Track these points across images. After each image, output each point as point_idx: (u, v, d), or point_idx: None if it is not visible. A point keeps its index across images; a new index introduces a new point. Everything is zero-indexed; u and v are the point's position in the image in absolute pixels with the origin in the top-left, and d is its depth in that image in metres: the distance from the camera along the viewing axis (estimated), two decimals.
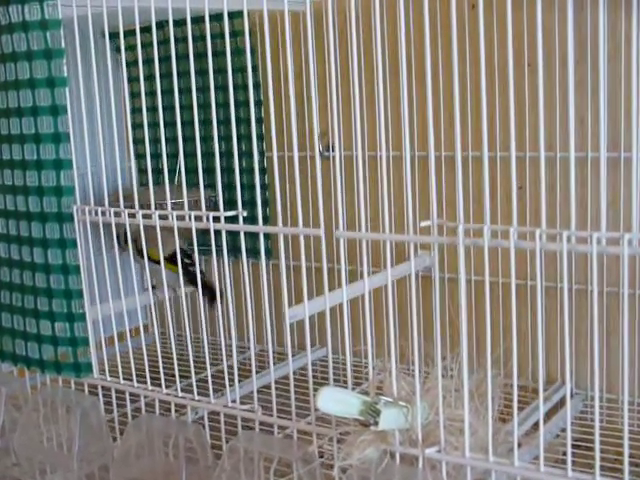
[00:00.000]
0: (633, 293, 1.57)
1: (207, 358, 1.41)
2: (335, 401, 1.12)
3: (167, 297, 1.62)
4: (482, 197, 1.07)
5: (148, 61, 1.39)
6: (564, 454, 1.06)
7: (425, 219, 1.12)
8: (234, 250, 1.64)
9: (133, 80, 1.92)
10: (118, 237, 1.52)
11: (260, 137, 1.94)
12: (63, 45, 1.39)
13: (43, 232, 1.46)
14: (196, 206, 1.47)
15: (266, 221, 1.91)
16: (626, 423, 1.01)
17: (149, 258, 1.63)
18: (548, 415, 1.54)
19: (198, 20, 1.35)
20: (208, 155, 1.53)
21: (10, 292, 1.55)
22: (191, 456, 1.39)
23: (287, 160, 1.77)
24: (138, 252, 1.67)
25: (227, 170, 1.89)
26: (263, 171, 1.95)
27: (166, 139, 1.37)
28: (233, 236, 1.62)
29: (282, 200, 1.27)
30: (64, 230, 1.45)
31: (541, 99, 1.01)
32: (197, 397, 1.43)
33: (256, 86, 1.87)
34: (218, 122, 1.33)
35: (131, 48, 1.38)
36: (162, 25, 1.34)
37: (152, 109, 1.40)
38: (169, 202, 1.38)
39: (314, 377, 1.35)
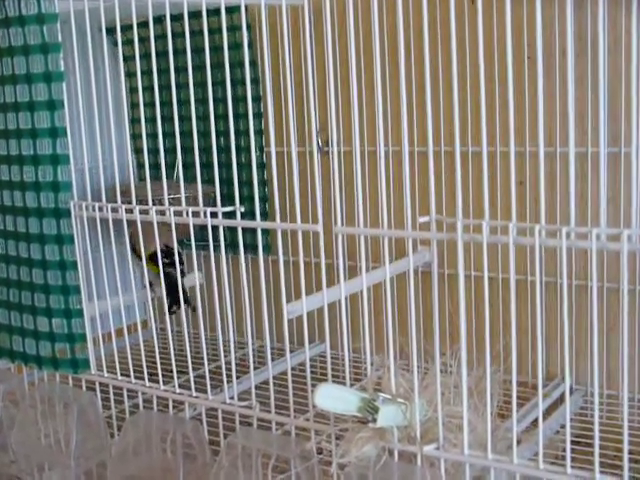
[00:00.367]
0: (633, 289, 1.57)
1: (205, 354, 1.41)
2: (333, 398, 1.11)
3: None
4: (481, 192, 1.06)
5: (146, 56, 1.38)
6: (564, 450, 1.05)
7: (425, 215, 1.12)
8: (233, 246, 1.64)
9: (131, 75, 1.92)
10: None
11: (259, 132, 1.93)
12: (60, 39, 1.38)
13: (40, 228, 1.45)
14: (196, 201, 1.47)
15: (265, 217, 1.91)
16: (625, 419, 1.01)
17: (138, 255, 1.63)
18: (548, 411, 1.54)
19: (196, 14, 1.35)
20: (207, 150, 1.52)
21: (7, 288, 1.55)
22: (189, 452, 1.39)
23: (286, 155, 1.77)
24: (133, 248, 1.67)
25: (226, 165, 1.89)
26: (262, 166, 1.94)
27: (165, 134, 1.37)
28: (232, 232, 1.62)
29: (281, 195, 1.26)
30: (61, 226, 1.44)
31: (540, 93, 1.00)
32: (195, 393, 1.43)
33: (255, 81, 1.86)
34: (217, 117, 1.33)
35: (129, 43, 1.37)
36: (160, 19, 1.33)
37: (150, 104, 1.40)
38: (166, 197, 1.37)
39: (313, 373, 1.35)
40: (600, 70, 1.06)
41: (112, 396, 1.54)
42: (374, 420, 1.10)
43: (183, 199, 1.35)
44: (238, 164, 1.33)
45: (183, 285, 1.59)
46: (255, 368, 1.40)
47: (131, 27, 1.32)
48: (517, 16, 1.56)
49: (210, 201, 1.81)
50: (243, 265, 1.33)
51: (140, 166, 2.05)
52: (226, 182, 1.81)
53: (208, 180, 1.63)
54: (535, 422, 1.39)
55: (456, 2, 1.02)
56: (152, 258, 1.65)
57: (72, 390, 1.55)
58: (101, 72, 1.44)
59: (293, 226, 1.25)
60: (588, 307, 1.63)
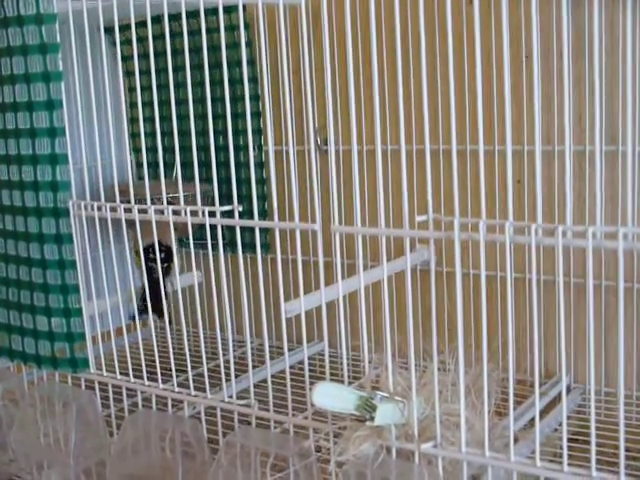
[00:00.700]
0: (631, 287, 1.57)
1: (204, 353, 1.41)
2: (331, 396, 1.11)
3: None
4: (479, 191, 1.07)
5: (145, 55, 1.38)
6: (562, 448, 1.06)
7: (422, 213, 1.12)
8: (232, 244, 1.64)
9: (130, 74, 1.92)
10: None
11: (258, 131, 1.93)
12: (58, 39, 1.38)
13: (39, 227, 1.46)
14: (194, 201, 1.47)
15: (263, 215, 1.91)
16: (622, 417, 1.01)
17: (136, 250, 1.63)
18: (546, 409, 1.54)
19: (195, 14, 1.35)
20: (206, 149, 1.52)
21: (6, 287, 1.55)
22: (188, 451, 1.39)
23: (284, 154, 1.77)
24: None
25: (225, 164, 1.89)
26: (261, 165, 1.94)
27: (164, 133, 1.37)
28: (230, 230, 1.62)
29: (279, 194, 1.27)
30: (60, 225, 1.44)
31: (537, 92, 1.00)
32: (194, 392, 1.43)
33: (253, 80, 1.86)
34: (215, 116, 1.33)
35: (128, 42, 1.37)
36: (159, 19, 1.34)
37: (149, 103, 1.40)
38: (164, 196, 1.38)
39: (312, 372, 1.35)
40: (596, 69, 1.06)
41: (111, 395, 1.54)
42: (372, 418, 1.10)
43: (182, 198, 1.36)
44: (236, 163, 1.33)
45: (165, 285, 1.59)
46: (254, 367, 1.40)
47: (129, 27, 1.32)
48: (514, 16, 1.56)
49: (208, 200, 1.82)
50: (242, 264, 1.34)
51: (139, 165, 2.05)
52: (224, 181, 1.81)
53: (206, 179, 1.63)
54: (533, 420, 1.39)
55: (453, 2, 1.02)
56: (146, 253, 1.64)
57: (71, 389, 1.55)
58: (100, 72, 1.45)
59: (291, 225, 1.25)
60: (586, 305, 1.64)
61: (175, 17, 1.31)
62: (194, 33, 1.37)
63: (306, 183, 1.80)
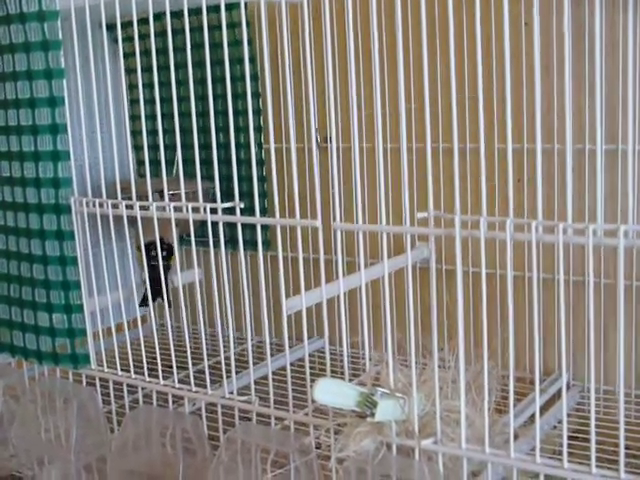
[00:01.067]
0: (630, 285, 1.58)
1: (205, 349, 1.41)
2: (332, 393, 1.12)
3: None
4: (479, 189, 1.07)
5: (146, 52, 1.39)
6: (561, 445, 1.06)
7: (423, 211, 1.12)
8: (233, 241, 1.64)
9: (131, 71, 1.92)
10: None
11: (258, 129, 1.93)
12: (61, 37, 1.39)
13: (41, 224, 1.46)
14: (195, 198, 1.47)
15: (264, 213, 1.91)
16: (622, 414, 1.02)
17: (137, 246, 1.63)
18: (545, 407, 1.54)
19: (196, 11, 1.35)
20: (207, 147, 1.53)
21: (8, 283, 1.55)
22: (188, 447, 1.39)
23: (285, 152, 1.77)
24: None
25: (225, 162, 1.89)
26: (261, 163, 1.94)
27: (165, 130, 1.37)
28: (231, 228, 1.62)
29: (280, 191, 1.27)
30: (61, 222, 1.45)
31: (538, 91, 1.01)
32: (195, 388, 1.43)
33: (254, 77, 1.86)
34: (217, 113, 1.33)
35: (129, 39, 1.38)
36: (160, 16, 1.34)
37: (150, 101, 1.40)
38: (166, 193, 1.38)
39: (312, 368, 1.36)
40: (597, 68, 1.07)
41: (112, 391, 1.54)
42: (372, 414, 1.10)
43: (183, 195, 1.36)
44: (237, 160, 1.33)
45: (166, 279, 1.59)
46: (254, 363, 1.40)
47: (131, 24, 1.32)
48: (515, 13, 1.56)
49: (209, 197, 1.82)
50: (243, 261, 1.34)
51: (140, 162, 2.05)
52: (225, 178, 1.82)
53: (207, 176, 1.63)
54: (532, 417, 1.39)
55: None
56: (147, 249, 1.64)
57: (72, 385, 1.56)
58: (101, 69, 1.45)
59: (292, 222, 1.26)
60: (585, 303, 1.64)
61: (176, 14, 1.31)
62: (193, 30, 1.38)
63: (305, 181, 1.80)
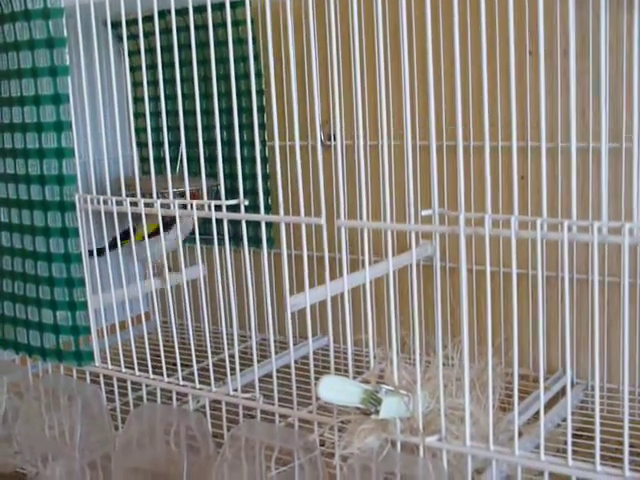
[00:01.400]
0: (634, 282, 1.58)
1: (209, 347, 1.41)
2: (336, 390, 1.12)
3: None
4: (484, 186, 1.07)
5: (150, 50, 1.39)
6: (565, 443, 1.06)
7: (427, 208, 1.12)
8: (236, 239, 1.65)
9: (135, 69, 1.93)
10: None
11: (262, 126, 1.94)
12: (65, 34, 1.39)
13: (45, 221, 1.46)
14: (198, 195, 1.47)
15: (268, 210, 1.91)
16: (626, 412, 1.02)
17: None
18: (549, 405, 1.54)
19: (200, 9, 1.35)
20: (210, 144, 1.53)
21: (12, 280, 1.56)
22: (192, 445, 1.39)
23: (289, 149, 1.77)
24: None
25: (229, 159, 1.90)
26: (265, 160, 1.95)
27: (168, 128, 1.38)
28: (235, 225, 1.62)
29: (284, 189, 1.27)
30: (66, 219, 1.45)
31: (542, 89, 1.01)
32: (199, 386, 1.44)
33: (258, 75, 1.86)
34: (220, 111, 1.33)
35: (133, 37, 1.38)
36: (164, 14, 1.34)
37: (154, 98, 1.40)
38: (170, 191, 1.38)
39: (316, 366, 1.36)
40: (602, 66, 1.07)
41: (116, 388, 1.54)
42: (377, 412, 1.11)
43: (188, 193, 1.36)
44: (241, 158, 1.33)
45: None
46: (258, 361, 1.41)
47: (135, 21, 1.33)
48: (520, 12, 1.56)
49: (212, 195, 1.82)
50: (247, 258, 1.34)
51: (143, 160, 2.05)
52: (229, 176, 1.82)
53: (211, 174, 1.63)
54: (536, 415, 1.39)
55: None
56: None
57: (76, 382, 1.56)
58: (105, 66, 1.45)
59: (297, 219, 1.26)
60: (589, 301, 1.64)
61: (180, 12, 1.32)
62: (198, 28, 1.38)
63: (309, 178, 1.80)
